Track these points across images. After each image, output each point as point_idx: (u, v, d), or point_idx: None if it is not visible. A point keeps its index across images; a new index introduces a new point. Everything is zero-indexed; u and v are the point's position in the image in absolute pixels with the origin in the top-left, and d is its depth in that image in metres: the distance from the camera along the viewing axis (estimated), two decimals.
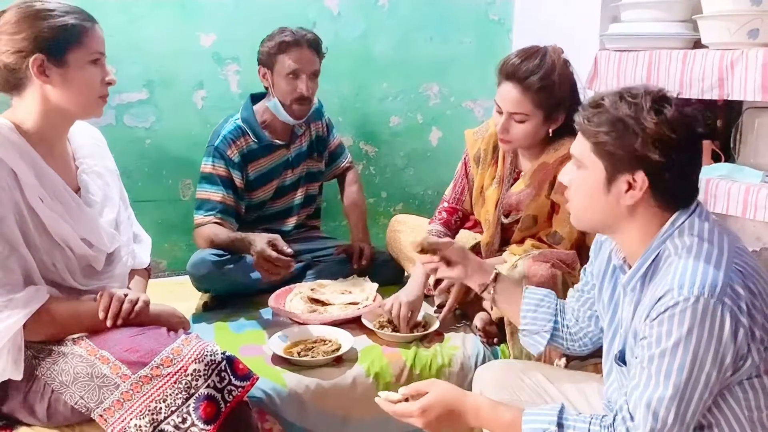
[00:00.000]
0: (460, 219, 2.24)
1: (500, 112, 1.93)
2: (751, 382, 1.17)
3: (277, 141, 2.41)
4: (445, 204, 2.25)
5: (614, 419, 1.20)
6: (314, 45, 2.32)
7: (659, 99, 1.19)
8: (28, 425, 1.52)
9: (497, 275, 1.61)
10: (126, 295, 1.56)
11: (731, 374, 1.15)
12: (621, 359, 1.30)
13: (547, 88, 1.86)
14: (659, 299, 1.15)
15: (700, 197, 1.98)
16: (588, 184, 1.25)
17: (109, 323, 1.52)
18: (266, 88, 2.40)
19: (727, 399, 1.18)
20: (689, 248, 1.17)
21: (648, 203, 1.22)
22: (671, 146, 1.17)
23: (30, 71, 1.47)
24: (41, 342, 1.50)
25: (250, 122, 2.36)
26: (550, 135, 1.95)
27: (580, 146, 1.26)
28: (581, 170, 1.27)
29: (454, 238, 2.24)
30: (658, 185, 1.20)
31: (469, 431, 1.80)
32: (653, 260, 1.23)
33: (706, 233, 1.19)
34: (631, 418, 1.17)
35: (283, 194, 2.49)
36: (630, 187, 1.21)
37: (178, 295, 2.24)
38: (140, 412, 1.41)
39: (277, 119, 2.39)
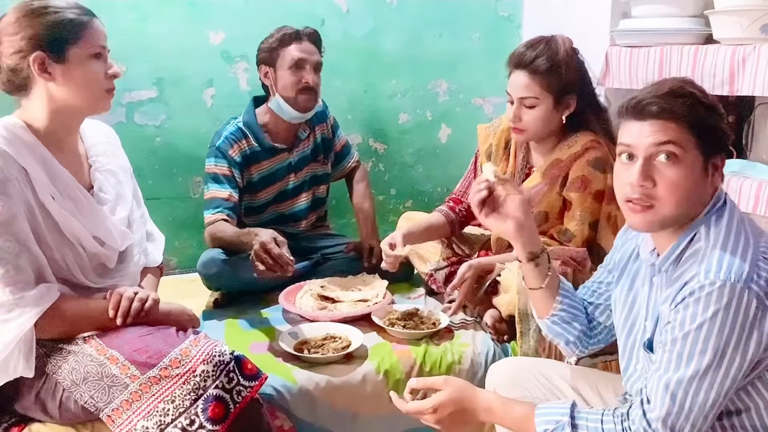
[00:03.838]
0: (465, 210, 2.24)
1: (511, 102, 1.94)
2: None
3: (279, 144, 2.41)
4: (453, 196, 2.28)
5: (631, 405, 1.20)
6: (315, 38, 2.36)
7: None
8: (41, 422, 1.53)
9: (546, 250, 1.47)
10: (136, 294, 1.56)
11: (756, 363, 1.13)
12: (649, 347, 1.29)
13: (553, 68, 1.87)
14: (685, 284, 1.15)
15: None
16: (690, 173, 1.19)
17: (119, 322, 1.52)
18: (266, 90, 2.39)
19: (757, 385, 1.17)
20: (717, 236, 1.17)
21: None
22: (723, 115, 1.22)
23: (32, 70, 1.47)
24: (52, 340, 1.51)
25: (251, 125, 2.36)
26: (564, 122, 1.94)
27: (671, 133, 1.18)
28: (678, 163, 1.18)
29: (459, 228, 2.26)
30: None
31: (480, 428, 1.81)
32: (689, 241, 1.21)
33: (735, 223, 1.19)
34: (648, 401, 1.17)
35: (288, 198, 2.48)
36: (717, 167, 1.21)
37: (189, 292, 2.25)
38: (148, 413, 1.41)
39: (280, 122, 2.37)
